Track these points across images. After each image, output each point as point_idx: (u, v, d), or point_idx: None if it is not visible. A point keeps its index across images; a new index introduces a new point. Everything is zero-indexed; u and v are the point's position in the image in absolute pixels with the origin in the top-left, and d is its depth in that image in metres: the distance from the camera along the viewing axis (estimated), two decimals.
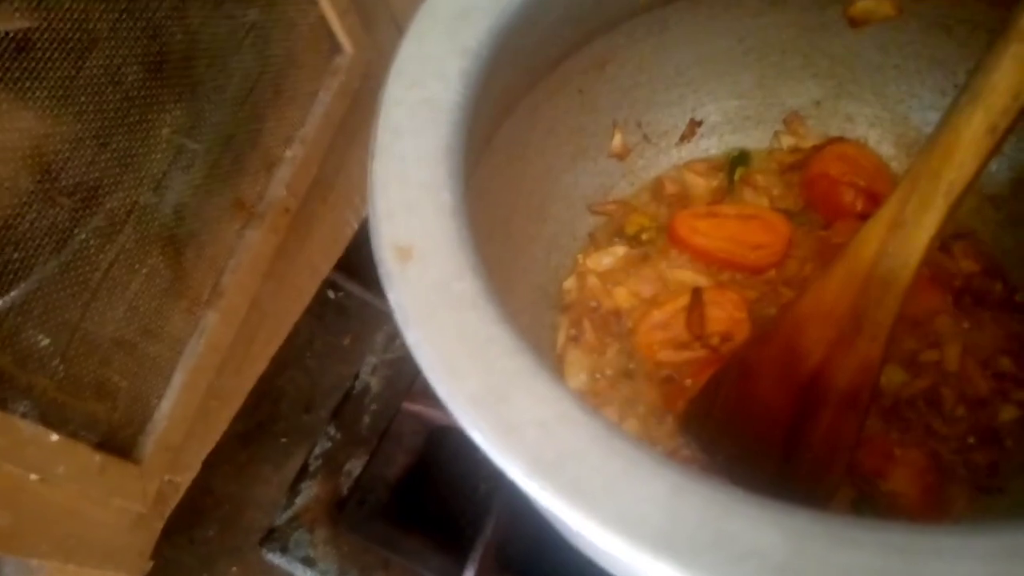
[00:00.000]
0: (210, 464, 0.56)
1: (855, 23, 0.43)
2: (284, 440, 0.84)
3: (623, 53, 0.44)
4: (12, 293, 0.37)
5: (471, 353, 0.25)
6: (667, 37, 0.44)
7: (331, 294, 0.82)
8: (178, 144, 0.44)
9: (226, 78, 0.47)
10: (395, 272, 0.27)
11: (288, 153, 0.53)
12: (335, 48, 0.56)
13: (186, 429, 0.49)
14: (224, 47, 0.46)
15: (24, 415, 0.37)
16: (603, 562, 0.28)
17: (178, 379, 0.47)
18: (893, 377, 0.38)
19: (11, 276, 0.37)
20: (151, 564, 0.51)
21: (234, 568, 0.77)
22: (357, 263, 0.75)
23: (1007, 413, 0.37)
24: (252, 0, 0.48)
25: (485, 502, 0.43)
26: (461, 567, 0.41)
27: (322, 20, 0.53)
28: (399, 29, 0.63)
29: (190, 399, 0.48)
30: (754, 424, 0.36)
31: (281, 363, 0.65)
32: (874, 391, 0.34)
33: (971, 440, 0.37)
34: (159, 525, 0.50)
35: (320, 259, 0.62)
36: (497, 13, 0.33)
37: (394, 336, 0.50)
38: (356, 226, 0.67)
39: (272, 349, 0.59)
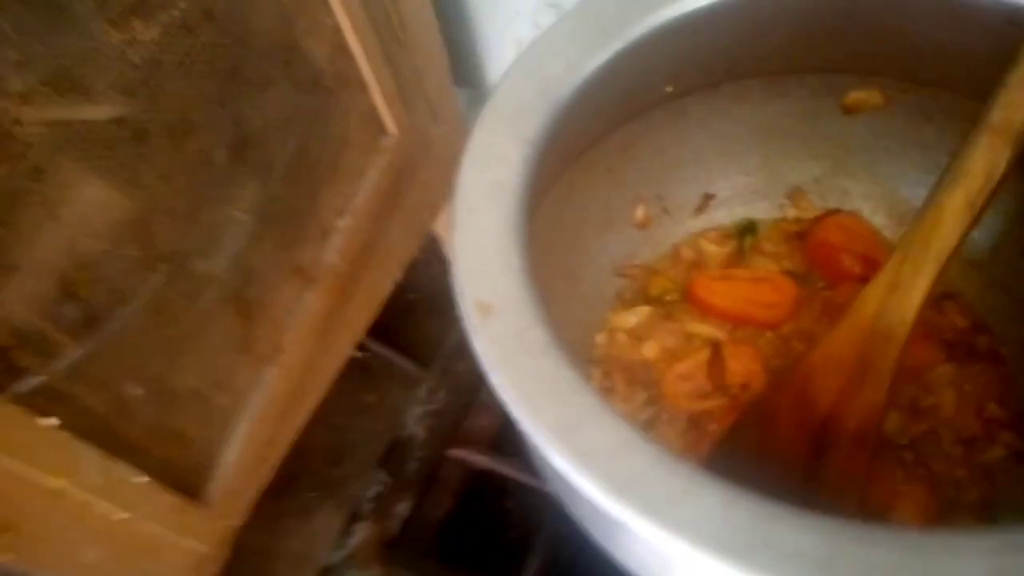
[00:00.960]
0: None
1: (848, 111, 0.50)
2: (311, 494, 0.88)
3: (646, 137, 0.50)
4: (97, 335, 0.41)
5: (547, 392, 0.29)
6: (684, 123, 0.50)
7: (356, 353, 0.87)
8: (249, 216, 0.50)
9: (290, 156, 0.53)
10: (478, 325, 0.32)
11: (340, 223, 0.59)
12: (382, 130, 0.62)
13: (247, 476, 0.53)
14: (291, 130, 0.52)
15: (118, 457, 0.42)
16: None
17: (242, 428, 0.52)
18: (895, 422, 0.43)
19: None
20: None
21: None
22: (381, 324, 0.79)
23: (996, 452, 0.42)
24: (315, 88, 0.54)
25: (526, 541, 0.47)
26: None
27: (372, 107, 0.60)
28: (433, 114, 0.70)
29: (251, 447, 0.52)
30: (773, 464, 0.40)
31: (309, 419, 0.69)
32: (880, 432, 0.39)
33: (966, 477, 0.42)
34: (216, 569, 0.54)
35: (358, 320, 0.67)
36: (549, 110, 0.39)
37: (435, 390, 0.55)
38: (391, 288, 0.72)
39: (314, 404, 0.64)
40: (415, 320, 1.00)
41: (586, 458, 0.28)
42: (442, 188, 0.77)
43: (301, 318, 0.55)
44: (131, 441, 0.44)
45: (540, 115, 0.38)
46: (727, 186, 0.54)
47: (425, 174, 0.70)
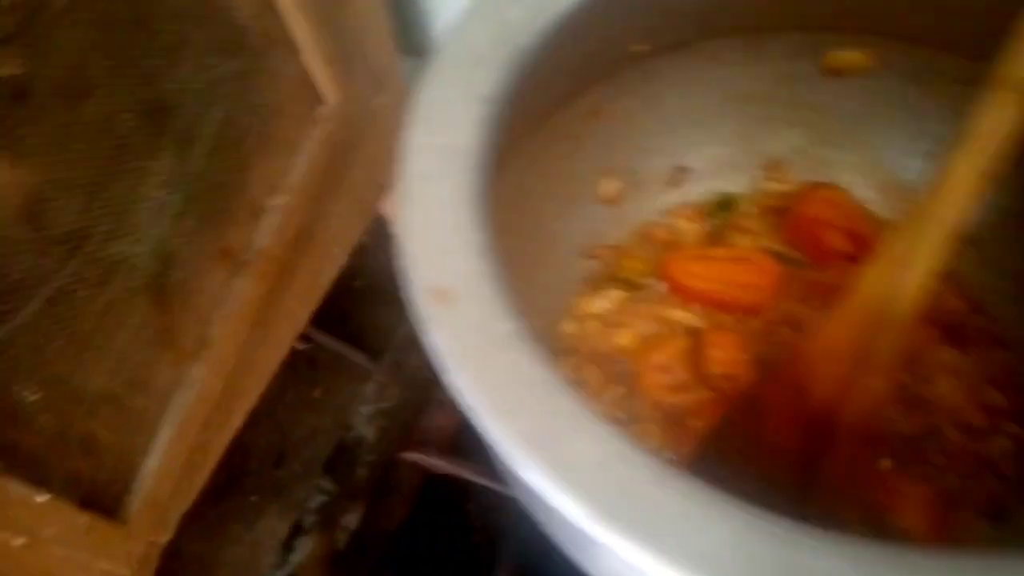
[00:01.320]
0: (178, 524, 0.53)
1: (832, 74, 0.45)
2: (254, 498, 0.81)
3: (614, 102, 0.45)
4: None
5: (520, 394, 0.25)
6: (655, 88, 0.46)
7: (299, 345, 0.80)
8: (167, 192, 0.44)
9: (214, 126, 0.46)
10: (433, 315, 0.26)
11: (273, 202, 0.52)
12: (318, 98, 0.56)
13: (172, 486, 0.47)
14: (213, 95, 0.46)
15: (9, 474, 0.35)
16: None
17: (164, 433, 0.46)
18: (894, 415, 0.39)
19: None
20: None
21: None
22: (328, 314, 0.74)
23: (1000, 444, 0.39)
24: (240, 49, 0.48)
25: (489, 549, 0.42)
26: None
27: (305, 71, 0.53)
28: (376, 82, 0.64)
29: (176, 454, 0.46)
30: (766, 463, 0.36)
31: (251, 416, 0.63)
32: (881, 424, 0.35)
33: (971, 471, 0.38)
34: None
35: (299, 309, 0.61)
36: (509, 60, 0.33)
37: (385, 386, 0.50)
38: (334, 276, 0.66)
39: (252, 401, 0.58)
40: (364, 309, 0.94)
41: (569, 474, 0.23)
42: (389, 165, 0.71)
43: (230, 308, 0.49)
44: (27, 453, 0.37)
45: (499, 67, 0.33)
46: (701, 158, 0.49)
47: (369, 149, 0.64)
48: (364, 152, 0.64)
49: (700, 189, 0.50)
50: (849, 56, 0.45)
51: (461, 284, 0.27)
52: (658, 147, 0.48)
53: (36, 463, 0.38)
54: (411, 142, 0.31)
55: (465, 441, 0.47)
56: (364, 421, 0.49)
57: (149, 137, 0.42)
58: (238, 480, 0.79)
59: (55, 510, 0.38)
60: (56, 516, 0.38)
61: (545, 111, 0.41)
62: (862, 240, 0.45)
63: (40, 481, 0.37)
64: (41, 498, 0.37)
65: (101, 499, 0.42)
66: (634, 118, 0.47)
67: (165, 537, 0.48)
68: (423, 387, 0.49)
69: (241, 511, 0.81)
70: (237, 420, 0.56)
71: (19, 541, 0.36)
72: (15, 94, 0.34)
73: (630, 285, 0.46)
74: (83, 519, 0.40)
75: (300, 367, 0.81)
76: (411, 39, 0.71)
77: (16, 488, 0.35)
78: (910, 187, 0.46)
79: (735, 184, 0.50)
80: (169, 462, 0.46)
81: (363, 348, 0.91)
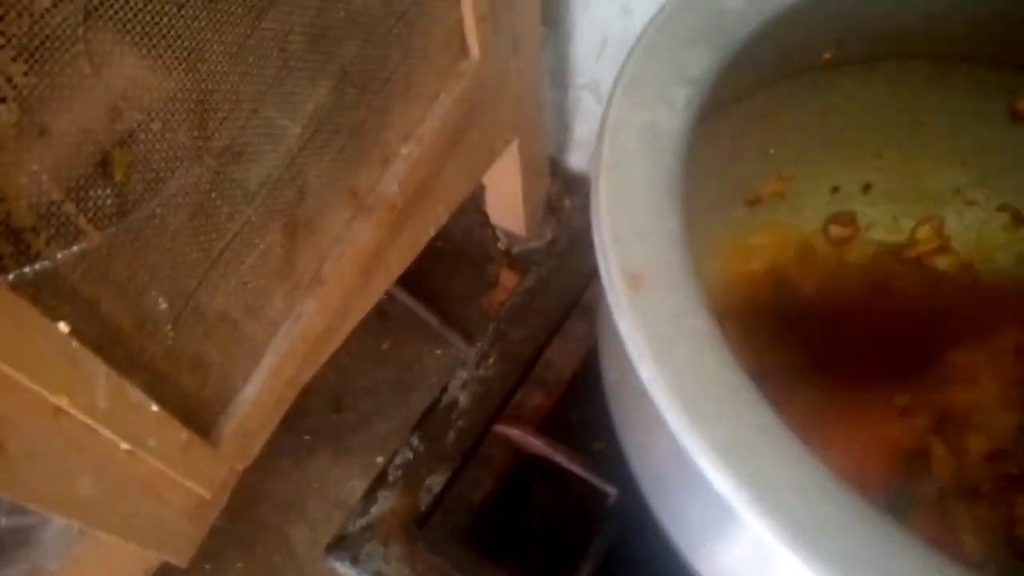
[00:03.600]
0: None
1: (1019, 118, 0.43)
2: (307, 437, 0.82)
3: (784, 108, 0.43)
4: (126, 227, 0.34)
5: (715, 400, 0.23)
6: (828, 99, 0.44)
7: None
8: (315, 123, 0.43)
9: (369, 63, 0.45)
10: (627, 300, 0.25)
11: (404, 150, 0.51)
12: (464, 51, 0.54)
13: (263, 416, 0.46)
14: (375, 31, 0.44)
15: (132, 379, 0.35)
16: None
17: (266, 363, 0.45)
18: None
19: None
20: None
21: (240, 564, 0.74)
22: (407, 271, 0.73)
23: None
24: None
25: (579, 543, 0.41)
26: None
27: (460, 23, 0.52)
28: (515, 45, 0.63)
29: (273, 385, 0.46)
30: None
31: None
32: None
33: None
34: (215, 514, 0.48)
35: (397, 262, 0.60)
36: (719, 49, 0.32)
37: (487, 354, 0.48)
38: (434, 233, 0.65)
39: (337, 345, 0.57)
40: (442, 271, 0.93)
41: (768, 493, 0.21)
42: (504, 132, 0.69)
43: (347, 249, 0.48)
44: (147, 362, 0.37)
45: (711, 52, 0.31)
46: (855, 180, 0.47)
47: (493, 112, 0.63)
48: (486, 115, 0.62)
49: (848, 209, 0.48)
50: None
51: (655, 271, 0.26)
52: (815, 161, 0.46)
53: (154, 374, 0.37)
54: (614, 116, 0.29)
55: (558, 425, 0.46)
56: (459, 386, 0.48)
57: (311, 63, 0.41)
58: (294, 418, 0.79)
59: (162, 423, 0.38)
60: (161, 429, 0.38)
61: (720, 106, 0.40)
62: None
63: (154, 392, 0.37)
64: (154, 408, 0.36)
65: (199, 419, 0.42)
66: (798, 128, 0.44)
67: (245, 464, 0.47)
68: (523, 363, 0.48)
69: (293, 448, 0.81)
70: (323, 360, 0.55)
71: (125, 447, 0.36)
72: None
73: None
74: (183, 436, 0.39)
75: (369, 317, 0.80)
76: (546, 9, 0.69)
77: (136, 394, 0.35)
78: None
79: (881, 214, 0.48)
80: (265, 392, 0.45)
81: (435, 309, 0.90)
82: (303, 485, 0.78)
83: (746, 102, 0.42)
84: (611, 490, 0.42)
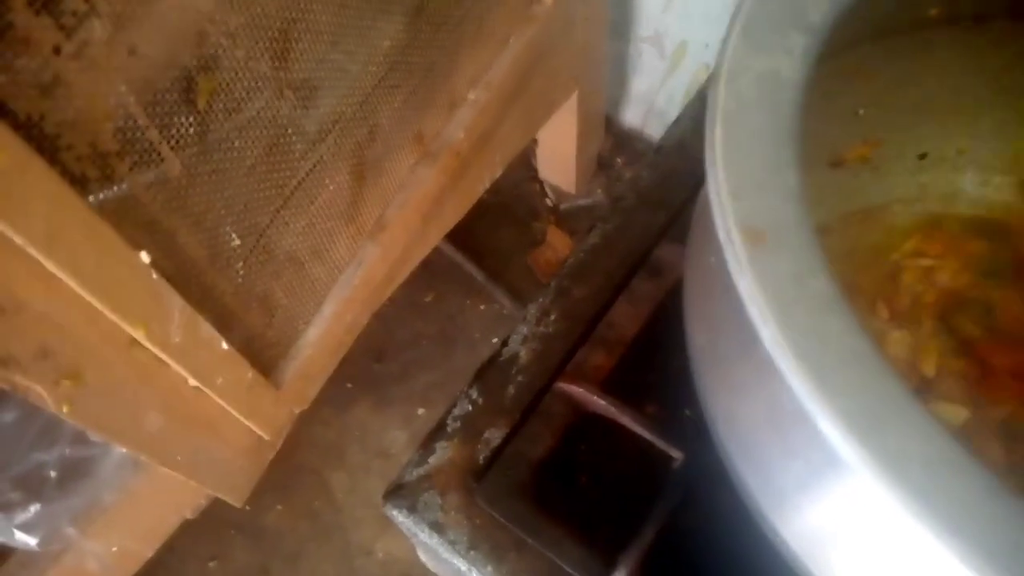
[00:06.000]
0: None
1: None
2: (349, 385, 0.81)
3: (879, 68, 0.41)
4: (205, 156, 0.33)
5: (838, 366, 0.22)
6: (925, 62, 0.41)
7: None
8: (388, 60, 0.41)
9: (445, 2, 0.44)
10: (747, 257, 0.24)
11: (472, 95, 0.50)
12: None
13: (323, 361, 0.46)
14: None
15: (206, 314, 0.34)
16: None
17: (329, 307, 0.44)
18: None
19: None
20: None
21: (279, 507, 0.75)
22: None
23: None
24: None
25: (640, 506, 0.40)
26: (606, 566, 0.39)
27: None
28: None
29: (335, 329, 0.45)
30: None
31: None
32: None
33: None
34: (271, 456, 0.47)
35: (453, 213, 0.59)
36: None
37: (548, 311, 0.47)
38: (488, 185, 0.63)
39: (391, 293, 0.56)
40: (487, 226, 0.92)
41: (896, 466, 0.20)
42: (567, 83, 0.67)
43: (410, 196, 0.47)
44: (218, 299, 0.36)
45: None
46: (947, 146, 0.45)
47: (558, 62, 0.61)
48: (551, 64, 0.60)
49: (932, 181, 0.46)
50: None
51: (775, 229, 0.24)
52: (903, 124, 0.44)
53: (224, 311, 0.37)
54: (732, 59, 0.27)
55: (620, 385, 0.45)
56: (519, 341, 0.47)
57: None
58: (338, 366, 0.79)
59: (230, 360, 0.37)
60: (229, 367, 0.37)
61: (818, 59, 0.38)
62: None
63: (223, 330, 0.36)
64: (224, 346, 0.36)
65: (264, 360, 0.41)
66: (891, 89, 0.42)
67: (303, 408, 0.47)
68: (585, 321, 0.47)
69: (334, 396, 0.81)
70: (376, 309, 0.55)
71: (193, 383, 0.36)
72: None
73: None
74: (248, 375, 0.39)
75: (415, 269, 0.79)
76: None
77: (207, 330, 0.34)
78: None
79: (969, 184, 0.46)
80: (327, 336, 0.44)
81: (480, 264, 0.89)
82: (343, 433, 0.78)
83: (841, 58, 0.40)
84: (676, 454, 0.41)
